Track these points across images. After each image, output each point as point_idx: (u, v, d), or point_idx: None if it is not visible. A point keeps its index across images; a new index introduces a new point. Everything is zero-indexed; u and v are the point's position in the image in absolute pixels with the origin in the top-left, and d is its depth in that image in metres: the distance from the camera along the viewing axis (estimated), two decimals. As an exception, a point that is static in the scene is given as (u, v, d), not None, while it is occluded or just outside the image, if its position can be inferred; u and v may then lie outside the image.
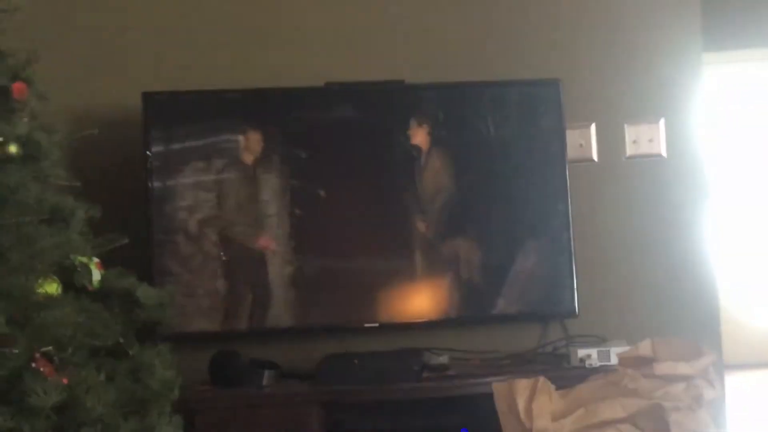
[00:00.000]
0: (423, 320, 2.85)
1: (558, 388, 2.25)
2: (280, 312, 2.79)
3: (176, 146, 2.77)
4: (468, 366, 2.78)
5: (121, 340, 2.13)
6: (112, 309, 2.15)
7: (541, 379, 2.22)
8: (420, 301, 2.85)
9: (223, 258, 2.78)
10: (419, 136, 2.83)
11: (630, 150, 2.99)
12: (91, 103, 2.85)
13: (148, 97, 2.75)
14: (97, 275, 2.15)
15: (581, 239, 2.86)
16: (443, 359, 2.75)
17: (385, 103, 2.85)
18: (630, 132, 2.99)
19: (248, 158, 2.79)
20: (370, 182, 2.84)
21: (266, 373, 2.67)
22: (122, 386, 2.04)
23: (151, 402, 2.09)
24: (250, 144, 2.79)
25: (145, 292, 2.20)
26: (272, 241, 2.77)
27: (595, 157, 2.99)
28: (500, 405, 2.25)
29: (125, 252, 2.22)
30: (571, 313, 2.83)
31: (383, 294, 2.81)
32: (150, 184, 2.74)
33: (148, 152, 2.73)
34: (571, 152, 2.91)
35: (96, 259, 2.17)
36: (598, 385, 2.24)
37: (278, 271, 2.78)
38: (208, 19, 2.95)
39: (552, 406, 2.18)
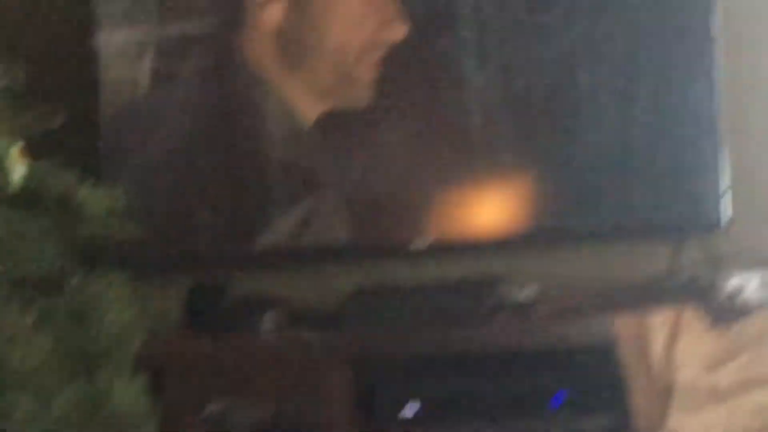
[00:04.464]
0: (496, 237, 2.83)
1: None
2: (287, 226, 2.80)
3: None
4: (564, 301, 2.76)
5: (57, 266, 2.13)
6: (42, 220, 2.15)
7: (688, 310, 2.22)
8: (491, 208, 2.84)
9: (204, 133, 2.79)
10: None
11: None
12: None
13: None
14: (20, 170, 2.13)
15: (733, 112, 2.78)
16: (528, 292, 2.74)
17: None
18: None
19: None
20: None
21: (267, 313, 2.69)
22: (61, 333, 2.05)
23: (103, 356, 2.10)
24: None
25: (90, 196, 2.19)
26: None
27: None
28: (626, 349, 2.29)
29: (62, 136, 2.20)
30: (717, 223, 2.77)
31: (436, 198, 2.81)
32: (97, 37, 2.76)
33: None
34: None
35: (19, 144, 2.14)
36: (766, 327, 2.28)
37: (283, 166, 2.79)
38: None
39: (704, 348, 2.23)
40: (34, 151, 2.19)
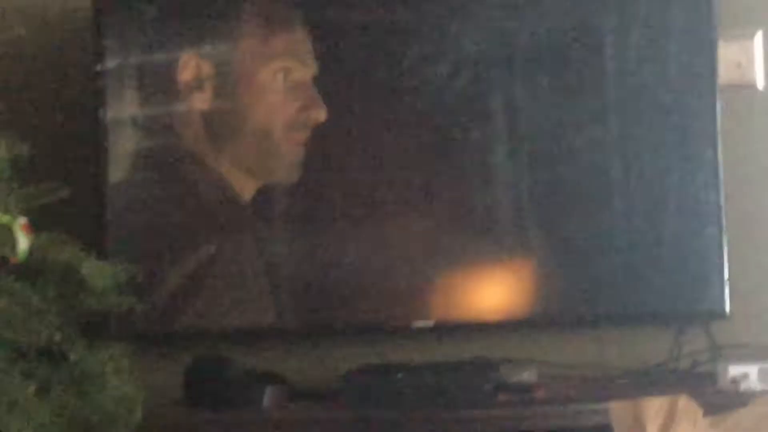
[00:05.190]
0: (499, 319, 2.85)
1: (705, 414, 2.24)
2: (287, 303, 2.82)
3: (142, 59, 2.80)
4: (564, 386, 2.77)
5: (58, 337, 2.15)
6: (45, 292, 2.17)
7: (683, 398, 2.20)
8: (495, 290, 2.85)
9: (204, 215, 2.82)
10: None
11: (815, 72, 2.98)
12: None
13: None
14: (23, 242, 2.16)
15: (735, 204, 2.82)
16: (529, 375, 2.76)
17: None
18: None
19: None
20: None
21: (268, 389, 2.70)
22: (60, 403, 2.07)
23: (102, 427, 2.13)
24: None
25: (93, 269, 2.21)
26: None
27: (759, 83, 2.95)
28: (620, 435, 2.30)
29: (66, 209, 2.22)
30: (720, 313, 2.80)
31: (440, 279, 2.82)
32: (102, 113, 2.76)
33: (98, 67, 2.76)
34: (725, 75, 2.86)
35: (22, 219, 2.18)
36: (764, 414, 2.21)
37: (282, 242, 2.81)
38: None
39: (699, 436, 2.23)
40: (39, 223, 2.22)
